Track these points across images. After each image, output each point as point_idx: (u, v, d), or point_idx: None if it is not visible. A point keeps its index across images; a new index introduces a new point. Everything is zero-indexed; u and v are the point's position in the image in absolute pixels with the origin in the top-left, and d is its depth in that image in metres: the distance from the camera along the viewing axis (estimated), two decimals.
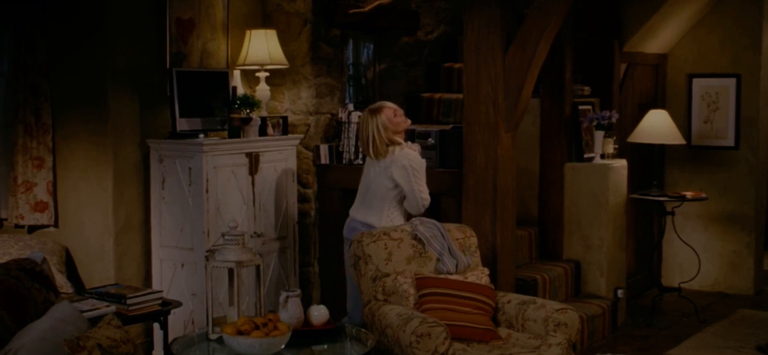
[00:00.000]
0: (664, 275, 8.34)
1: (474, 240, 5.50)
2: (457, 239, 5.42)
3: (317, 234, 6.71)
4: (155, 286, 5.88)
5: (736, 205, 8.19)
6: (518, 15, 6.62)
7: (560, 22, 6.03)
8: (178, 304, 5.33)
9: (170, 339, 5.10)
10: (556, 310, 4.93)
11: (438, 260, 5.28)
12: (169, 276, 5.89)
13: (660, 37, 8.02)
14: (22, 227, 5.90)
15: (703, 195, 7.51)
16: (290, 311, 4.55)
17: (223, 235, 4.62)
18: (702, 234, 8.26)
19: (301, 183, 6.62)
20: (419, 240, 5.31)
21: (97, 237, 5.80)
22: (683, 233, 7.91)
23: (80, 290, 5.61)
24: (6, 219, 5.94)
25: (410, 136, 6.51)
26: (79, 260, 5.85)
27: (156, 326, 5.61)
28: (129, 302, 4.99)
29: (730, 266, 8.25)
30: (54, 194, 5.90)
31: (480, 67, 5.99)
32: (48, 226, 5.91)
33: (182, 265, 5.82)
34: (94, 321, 4.27)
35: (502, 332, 5.01)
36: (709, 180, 8.22)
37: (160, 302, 5.20)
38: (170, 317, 5.27)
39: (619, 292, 7.05)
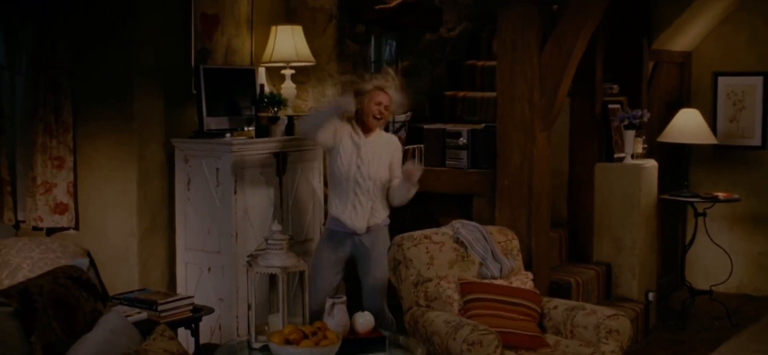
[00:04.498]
0: (690, 278, 8.16)
1: (516, 243, 5.32)
2: (499, 242, 5.24)
3: None
4: (180, 290, 5.67)
5: (763, 206, 8.03)
6: (548, 12, 6.45)
7: (597, 20, 5.88)
8: (210, 310, 5.13)
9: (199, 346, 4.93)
10: (607, 316, 4.75)
11: (481, 264, 5.09)
12: (194, 280, 5.68)
13: (688, 35, 7.85)
14: (41, 229, 5.67)
15: (736, 196, 7.35)
16: (336, 318, 4.33)
17: (266, 239, 4.40)
18: (727, 235, 8.07)
19: (327, 184, 6.41)
20: (461, 243, 5.12)
21: (121, 240, 5.58)
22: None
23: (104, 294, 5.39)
24: (24, 221, 5.71)
25: (441, 136, 6.34)
26: (101, 264, 5.60)
27: (181, 330, 5.38)
28: (160, 308, 4.78)
29: (757, 267, 8.09)
30: (74, 195, 5.67)
31: (515, 65, 5.82)
32: (68, 229, 5.68)
33: (208, 269, 5.61)
34: None
35: (550, 338, 4.83)
36: (736, 180, 8.04)
37: (191, 307, 4.99)
38: None
39: (650, 294, 6.89)
